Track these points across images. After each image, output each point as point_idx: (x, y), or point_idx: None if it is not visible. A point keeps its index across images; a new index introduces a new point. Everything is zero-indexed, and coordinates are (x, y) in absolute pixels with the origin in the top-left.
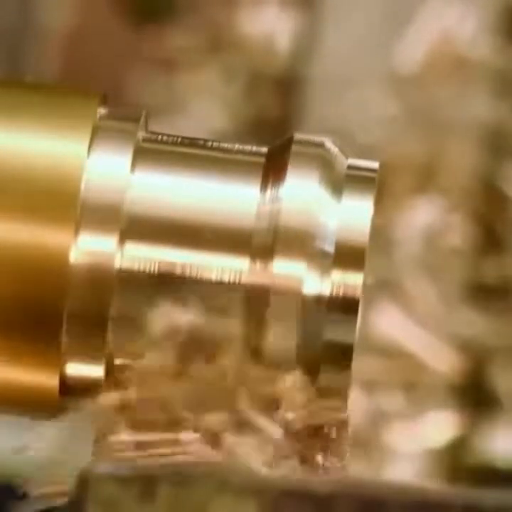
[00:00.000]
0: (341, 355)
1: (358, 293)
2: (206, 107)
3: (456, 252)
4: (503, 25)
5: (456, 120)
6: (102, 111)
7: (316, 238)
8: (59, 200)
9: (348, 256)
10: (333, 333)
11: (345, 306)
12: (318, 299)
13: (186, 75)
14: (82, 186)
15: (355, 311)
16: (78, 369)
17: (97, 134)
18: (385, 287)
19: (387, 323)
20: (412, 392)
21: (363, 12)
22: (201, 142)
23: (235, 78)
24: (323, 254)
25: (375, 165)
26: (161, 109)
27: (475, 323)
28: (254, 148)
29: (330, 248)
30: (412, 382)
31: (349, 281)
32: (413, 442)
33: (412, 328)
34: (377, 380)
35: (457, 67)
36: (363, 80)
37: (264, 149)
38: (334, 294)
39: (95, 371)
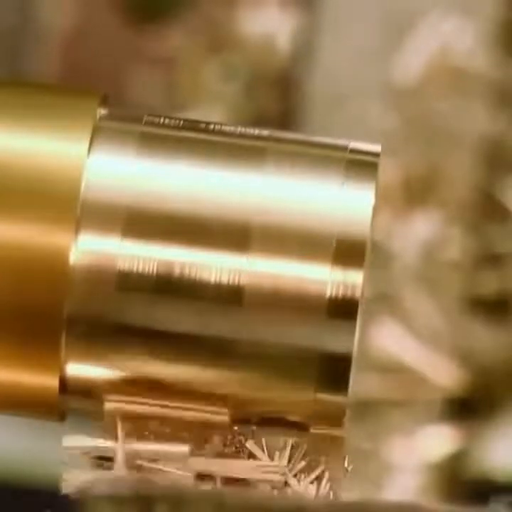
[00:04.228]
0: (340, 362)
1: (359, 292)
2: (206, 106)
3: (455, 265)
4: (502, 37)
5: (454, 133)
6: (102, 111)
7: (319, 233)
8: (59, 200)
9: (348, 252)
10: (332, 337)
11: (346, 307)
12: (319, 300)
13: (186, 75)
14: (82, 186)
15: (355, 312)
16: (79, 370)
17: (97, 134)
18: (383, 301)
19: (386, 337)
20: (411, 406)
21: (361, 26)
22: (203, 126)
23: (235, 78)
24: (325, 251)
25: (378, 148)
26: (161, 109)
27: (474, 336)
28: (257, 132)
29: (331, 244)
30: (411, 396)
31: (349, 279)
32: (412, 457)
33: (410, 342)
34: (376, 395)
35: (456, 79)
36: (361, 93)
37: (266, 132)
38: (334, 293)
39: (97, 372)
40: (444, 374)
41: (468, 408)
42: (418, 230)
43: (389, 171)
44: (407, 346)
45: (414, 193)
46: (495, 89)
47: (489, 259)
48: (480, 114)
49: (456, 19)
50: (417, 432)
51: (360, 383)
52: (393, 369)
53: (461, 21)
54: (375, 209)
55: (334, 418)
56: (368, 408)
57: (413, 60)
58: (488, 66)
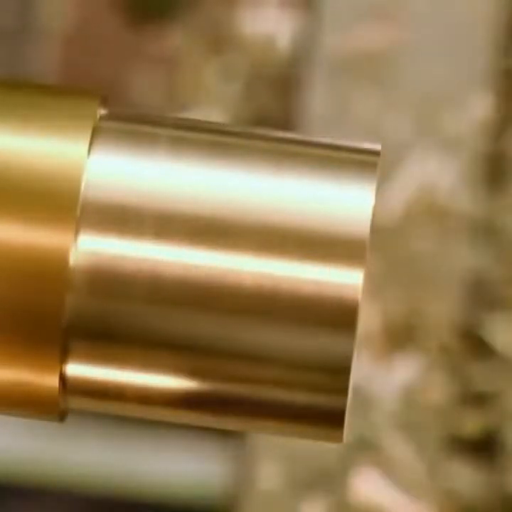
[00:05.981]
0: (340, 363)
1: (359, 293)
2: (206, 106)
3: (436, 408)
4: (483, 175)
5: (437, 272)
6: (102, 111)
7: (318, 233)
8: (59, 201)
9: (348, 252)
10: (331, 338)
11: (345, 308)
12: (319, 301)
13: (186, 75)
14: (82, 186)
15: (355, 313)
16: (79, 370)
17: (97, 134)
18: (363, 447)
19: (365, 485)
20: None
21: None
22: (202, 125)
23: (235, 78)
24: (324, 251)
25: (378, 147)
26: (161, 109)
27: (457, 480)
28: (256, 131)
29: (330, 243)
30: None
31: (349, 279)
32: None
33: (390, 490)
34: None
35: (438, 218)
36: None
37: (265, 132)
38: (334, 294)
39: (97, 372)
40: None
41: None
42: (398, 375)
43: (369, 315)
44: (387, 494)
45: (395, 336)
46: (477, 227)
47: (472, 398)
48: (462, 251)
49: (437, 158)
50: None
51: None
52: None
53: (443, 160)
54: (375, 209)
55: (333, 420)
56: None
57: (395, 198)
58: (471, 204)
